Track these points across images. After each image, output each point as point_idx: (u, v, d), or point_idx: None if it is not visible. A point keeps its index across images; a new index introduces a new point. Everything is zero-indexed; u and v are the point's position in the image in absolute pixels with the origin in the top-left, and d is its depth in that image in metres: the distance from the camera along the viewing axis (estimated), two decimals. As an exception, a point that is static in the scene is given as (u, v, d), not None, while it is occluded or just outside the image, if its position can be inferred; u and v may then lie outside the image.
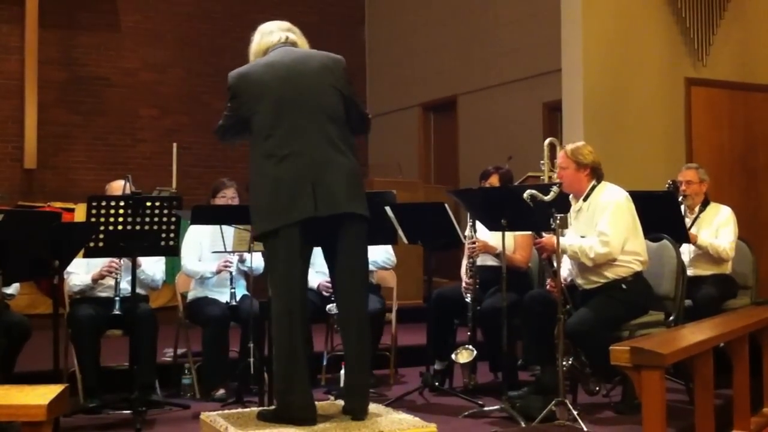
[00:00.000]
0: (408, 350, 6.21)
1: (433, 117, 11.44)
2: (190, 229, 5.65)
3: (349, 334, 3.84)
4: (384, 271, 5.99)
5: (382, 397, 5.07)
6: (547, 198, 4.37)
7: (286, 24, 4.04)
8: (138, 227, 4.68)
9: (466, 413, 4.75)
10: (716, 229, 5.81)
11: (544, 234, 4.78)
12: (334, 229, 3.78)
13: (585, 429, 4.23)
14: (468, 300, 5.36)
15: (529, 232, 5.17)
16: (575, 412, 4.31)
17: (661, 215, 5.37)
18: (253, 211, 3.86)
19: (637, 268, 4.79)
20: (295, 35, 4.00)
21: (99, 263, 5.17)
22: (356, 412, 3.76)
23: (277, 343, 3.76)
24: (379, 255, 5.76)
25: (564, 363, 4.50)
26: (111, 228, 4.64)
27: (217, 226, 5.12)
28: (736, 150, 7.91)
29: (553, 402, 4.38)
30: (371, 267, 5.28)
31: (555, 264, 4.62)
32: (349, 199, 3.78)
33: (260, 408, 4.14)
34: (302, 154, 3.73)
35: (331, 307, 5.38)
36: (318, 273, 5.42)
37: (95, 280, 5.24)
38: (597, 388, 4.80)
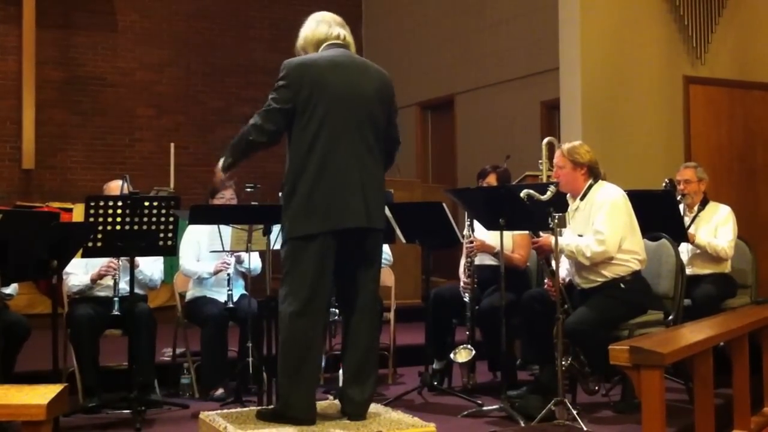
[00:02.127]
0: (406, 350, 6.20)
1: (431, 116, 11.42)
2: (188, 229, 5.64)
3: (358, 345, 3.86)
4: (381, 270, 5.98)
5: (380, 397, 5.05)
6: (544, 197, 4.36)
7: (339, 18, 4.02)
8: (136, 227, 4.68)
9: (465, 413, 4.75)
10: (715, 228, 5.80)
11: (541, 233, 4.78)
12: (357, 239, 3.80)
13: (584, 428, 4.23)
14: (466, 299, 5.35)
15: (527, 232, 5.17)
16: (574, 412, 4.31)
17: (659, 214, 5.36)
18: (296, 208, 3.74)
19: (636, 267, 4.78)
20: (348, 34, 4.00)
21: (97, 263, 5.16)
22: (355, 416, 3.78)
23: (290, 339, 3.72)
24: None
25: (563, 362, 4.49)
26: (109, 228, 4.64)
27: (215, 226, 5.12)
28: (735, 148, 7.92)
29: (553, 401, 4.37)
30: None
31: (553, 264, 4.61)
32: (378, 213, 3.87)
33: (259, 407, 4.14)
34: (350, 163, 3.76)
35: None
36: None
37: (94, 281, 5.23)
38: (596, 388, 4.79)
